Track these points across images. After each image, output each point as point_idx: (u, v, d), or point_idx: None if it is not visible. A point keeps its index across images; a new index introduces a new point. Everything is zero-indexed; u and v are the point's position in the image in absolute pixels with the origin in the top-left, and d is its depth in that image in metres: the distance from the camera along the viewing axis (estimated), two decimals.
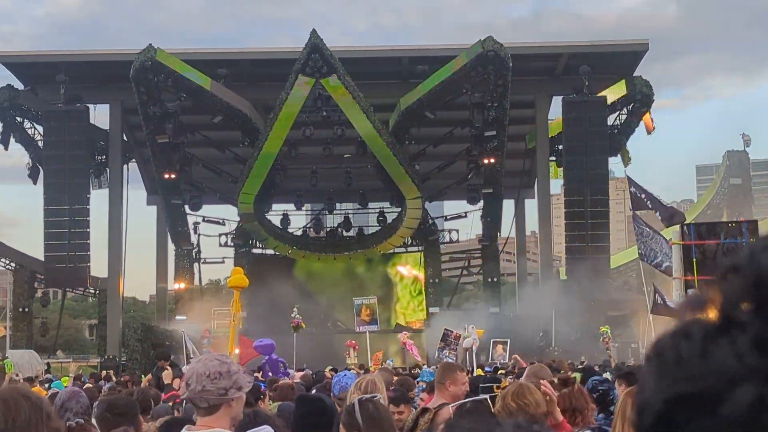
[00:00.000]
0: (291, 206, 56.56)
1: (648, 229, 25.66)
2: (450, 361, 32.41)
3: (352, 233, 57.17)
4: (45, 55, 53.13)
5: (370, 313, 35.54)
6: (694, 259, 16.66)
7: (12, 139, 52.13)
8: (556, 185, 56.50)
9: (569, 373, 10.32)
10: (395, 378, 16.31)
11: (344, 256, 53.49)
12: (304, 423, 5.61)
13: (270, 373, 21.22)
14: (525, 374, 9.38)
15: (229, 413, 4.98)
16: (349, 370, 26.92)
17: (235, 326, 21.26)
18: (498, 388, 7.22)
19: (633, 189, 26.61)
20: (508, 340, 30.99)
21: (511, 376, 19.43)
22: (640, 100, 50.48)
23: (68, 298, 65.40)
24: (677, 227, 18.52)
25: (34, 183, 52.96)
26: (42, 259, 51.88)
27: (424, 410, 8.13)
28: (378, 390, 7.69)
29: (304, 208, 59.48)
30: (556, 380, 7.20)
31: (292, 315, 40.09)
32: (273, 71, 48.19)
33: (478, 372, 23.49)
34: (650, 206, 25.33)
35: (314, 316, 49.67)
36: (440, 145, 50.94)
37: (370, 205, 57.45)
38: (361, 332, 35.55)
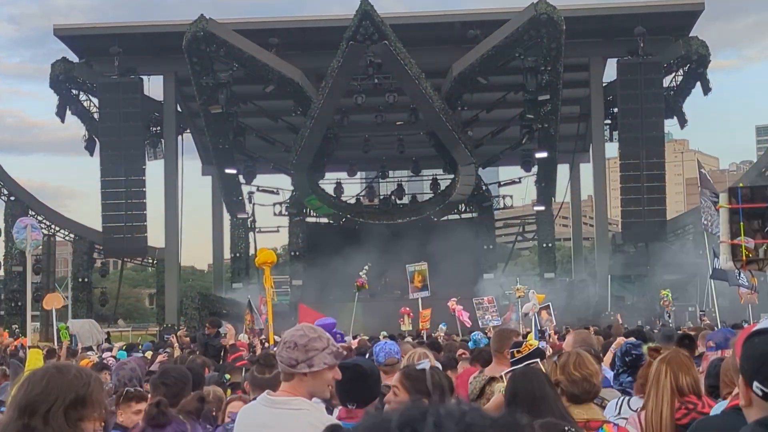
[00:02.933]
0: (344, 174, 56.67)
1: (712, 201, 25.63)
2: (496, 324, 32.45)
3: (405, 200, 57.15)
4: (98, 27, 53.50)
5: (422, 279, 35.45)
6: (741, 223, 16.46)
7: (68, 112, 52.73)
8: (612, 149, 55.99)
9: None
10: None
11: (398, 223, 53.42)
12: (345, 389, 5.66)
13: None
14: (572, 340, 9.28)
15: (304, 386, 5.00)
16: (404, 337, 27.06)
17: (271, 300, 21.68)
18: (518, 352, 7.26)
19: (702, 170, 26.69)
20: (550, 304, 30.87)
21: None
22: (697, 60, 49.75)
23: (127, 268, 66.20)
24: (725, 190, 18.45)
25: (91, 155, 53.62)
26: (100, 229, 52.49)
27: (492, 379, 8.12)
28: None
29: (357, 176, 59.52)
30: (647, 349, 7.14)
31: (361, 273, 40.09)
32: (324, 39, 48.14)
33: (528, 338, 23.40)
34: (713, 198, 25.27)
35: (369, 283, 49.74)
36: (493, 110, 50.61)
37: (424, 172, 57.40)
38: (413, 298, 35.60)
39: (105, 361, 16.07)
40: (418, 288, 35.22)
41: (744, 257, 16.42)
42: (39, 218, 51.83)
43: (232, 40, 45.77)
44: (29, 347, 13.66)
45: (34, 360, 11.69)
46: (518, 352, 7.28)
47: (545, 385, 5.82)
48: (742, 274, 24.40)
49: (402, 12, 54.24)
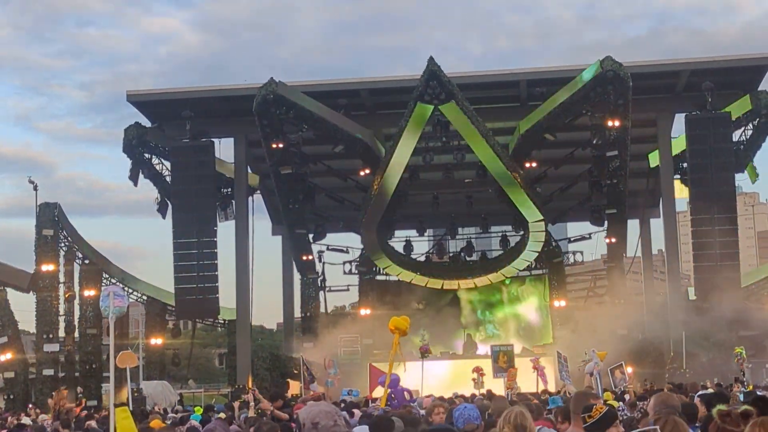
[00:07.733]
0: (413, 232, 56.77)
1: None
2: (569, 383, 32.12)
3: (475, 257, 57.03)
4: (170, 92, 54.21)
5: (506, 361, 35.21)
6: None
7: (141, 175, 53.51)
8: (681, 203, 55.46)
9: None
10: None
11: (468, 281, 53.20)
12: None
13: (396, 402, 21.30)
14: (652, 403, 8.93)
15: None
16: (475, 397, 26.89)
17: (394, 361, 21.43)
18: (589, 417, 7.16)
19: None
20: (623, 363, 30.51)
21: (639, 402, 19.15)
22: (766, 114, 49.31)
23: (198, 328, 66.62)
24: None
25: (163, 217, 54.20)
26: (172, 291, 52.98)
27: None
28: (527, 421, 7.63)
29: (426, 234, 59.54)
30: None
31: (421, 341, 40.15)
32: (392, 100, 48.64)
33: (606, 396, 23.14)
34: None
35: (438, 342, 49.65)
36: (562, 166, 50.57)
37: (493, 228, 57.28)
38: (496, 378, 35.44)
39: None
40: (501, 368, 35.02)
41: None
42: (113, 281, 52.74)
43: (301, 102, 46.37)
44: (115, 405, 13.48)
45: (122, 419, 11.50)
46: (589, 417, 7.17)
47: None
48: None
49: (468, 72, 54.36)
